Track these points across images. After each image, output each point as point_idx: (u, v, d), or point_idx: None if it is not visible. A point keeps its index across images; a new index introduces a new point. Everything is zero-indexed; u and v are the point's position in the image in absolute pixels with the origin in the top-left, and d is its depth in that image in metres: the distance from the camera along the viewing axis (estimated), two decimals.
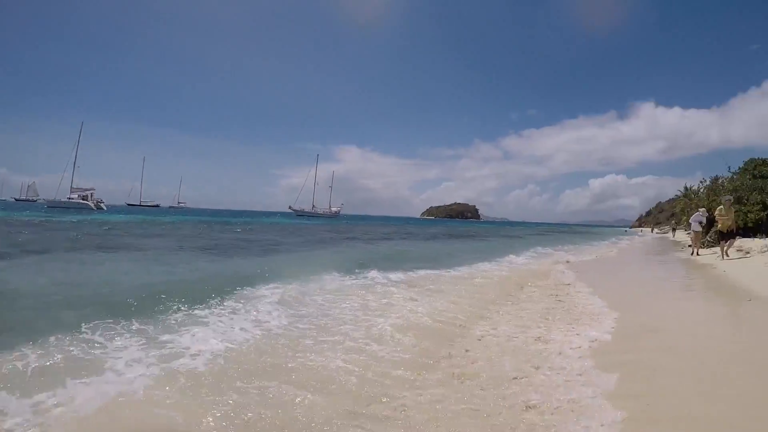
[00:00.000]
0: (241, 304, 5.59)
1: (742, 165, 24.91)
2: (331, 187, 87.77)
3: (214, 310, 5.27)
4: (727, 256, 12.46)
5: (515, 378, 3.43)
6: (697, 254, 15.25)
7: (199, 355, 3.70)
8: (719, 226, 13.12)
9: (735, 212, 21.70)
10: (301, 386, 3.15)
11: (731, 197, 14.43)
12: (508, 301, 6.89)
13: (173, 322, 4.68)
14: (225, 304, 5.61)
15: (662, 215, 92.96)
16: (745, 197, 20.68)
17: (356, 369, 3.55)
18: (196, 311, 5.13)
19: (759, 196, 20.05)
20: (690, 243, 24.95)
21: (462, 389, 3.25)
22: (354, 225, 48.51)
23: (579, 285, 8.47)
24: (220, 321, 4.81)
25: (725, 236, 12.89)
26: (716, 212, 13.28)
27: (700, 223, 15.89)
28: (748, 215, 19.66)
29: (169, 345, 3.94)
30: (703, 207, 18.06)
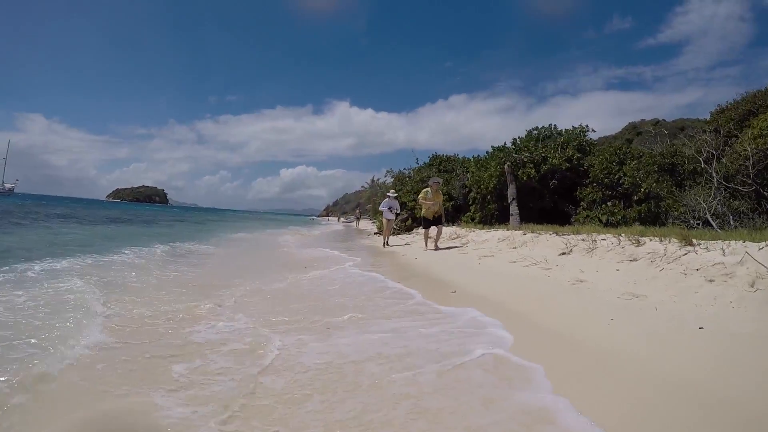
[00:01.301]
0: None
1: (426, 161, 24.55)
2: (5, 159, 78.06)
3: None
4: (435, 248, 10.05)
5: None
6: (387, 244, 12.89)
7: None
8: (423, 211, 10.67)
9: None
10: None
11: (440, 179, 11.58)
12: None
13: None
14: None
15: (348, 206, 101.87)
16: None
17: None
18: None
19: (444, 188, 18.67)
20: (377, 230, 24.10)
21: None
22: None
23: None
24: None
25: (431, 223, 10.56)
26: (421, 195, 10.69)
27: (391, 209, 13.10)
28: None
29: None
30: (393, 190, 15.06)
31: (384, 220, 13.34)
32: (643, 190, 12.38)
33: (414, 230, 17.97)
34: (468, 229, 12.98)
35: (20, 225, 13.69)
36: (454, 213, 18.68)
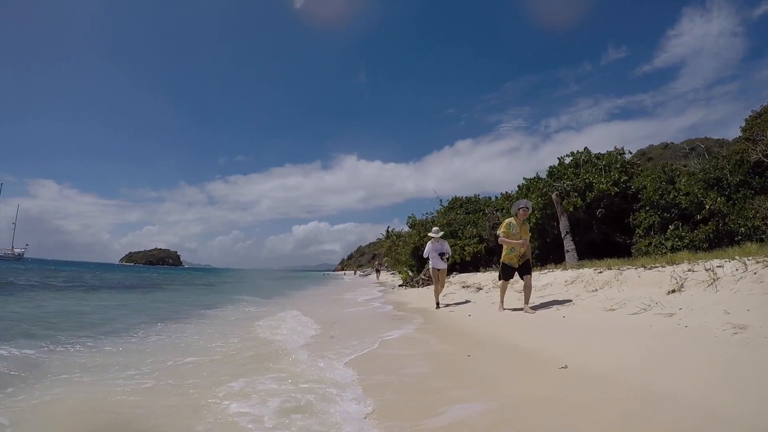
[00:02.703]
0: None
1: (446, 204, 23.26)
2: (14, 224, 78.68)
3: None
4: (530, 311, 6.68)
5: None
6: (440, 304, 9.45)
7: None
8: (504, 255, 7.19)
9: (451, 246, 19.38)
10: None
11: (528, 204, 7.41)
12: None
13: None
14: None
15: (364, 258, 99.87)
16: (460, 231, 17.70)
17: None
18: None
19: (474, 229, 17.28)
20: (402, 282, 22.05)
21: None
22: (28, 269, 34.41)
23: None
24: None
25: (514, 271, 7.15)
26: (503, 230, 7.15)
27: (442, 255, 9.34)
28: (466, 249, 16.42)
29: None
30: (437, 227, 11.32)
31: (432, 271, 9.54)
32: (708, 207, 10.83)
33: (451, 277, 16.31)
34: None
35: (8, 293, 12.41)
36: (487, 256, 17.12)
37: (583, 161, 13.58)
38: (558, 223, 12.70)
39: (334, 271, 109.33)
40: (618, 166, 13.20)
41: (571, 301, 6.58)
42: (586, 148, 14.50)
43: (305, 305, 11.46)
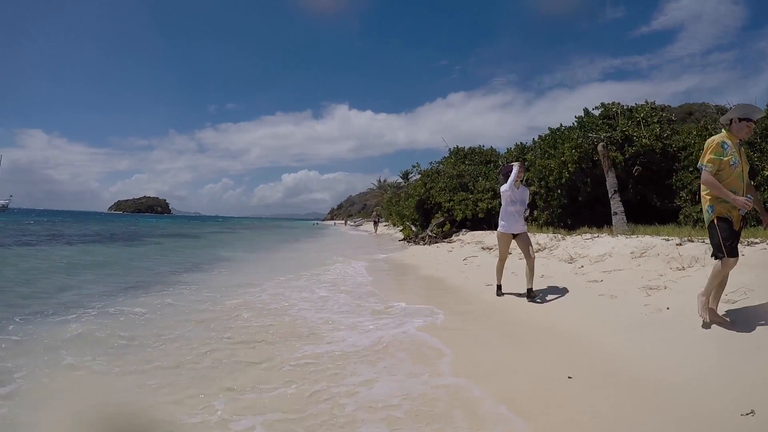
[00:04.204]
0: None
1: (446, 155, 21.51)
2: None
3: None
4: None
5: None
6: (500, 289, 6.18)
7: None
8: (721, 203, 3.67)
9: (462, 201, 17.89)
10: None
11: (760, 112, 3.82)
12: None
13: None
14: None
15: (354, 208, 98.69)
16: (471, 184, 16.29)
17: None
18: None
19: (486, 182, 15.86)
20: (404, 237, 20.48)
21: None
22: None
23: None
24: None
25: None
26: (711, 156, 3.63)
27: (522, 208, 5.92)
28: (479, 204, 15.10)
29: None
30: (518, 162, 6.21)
31: (502, 237, 5.99)
32: (766, 174, 9.46)
33: (455, 237, 15.00)
34: (543, 234, 10.07)
35: None
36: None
37: (618, 112, 11.98)
38: (591, 180, 11.30)
39: (323, 220, 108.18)
40: (656, 120, 11.66)
41: (666, 287, 5.24)
42: (614, 101, 12.85)
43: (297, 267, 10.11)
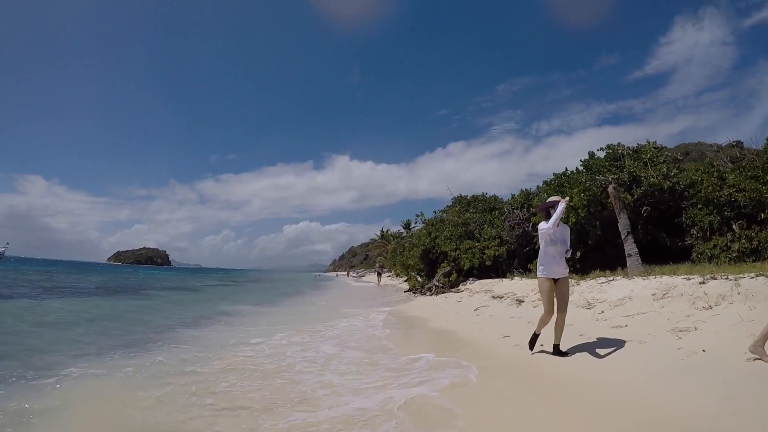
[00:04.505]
0: None
1: (449, 204, 21.61)
2: None
3: None
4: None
5: None
6: (537, 339, 5.40)
7: None
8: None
9: (468, 249, 17.64)
10: None
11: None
12: None
13: None
14: None
15: (355, 259, 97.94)
16: (477, 231, 16.11)
17: None
18: None
19: (492, 230, 15.68)
20: (410, 288, 20.01)
21: None
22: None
23: None
24: None
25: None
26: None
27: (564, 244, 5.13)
28: (486, 252, 14.82)
29: None
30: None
31: (544, 283, 5.02)
32: None
33: (462, 286, 14.62)
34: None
35: None
36: (508, 260, 15.51)
37: (623, 154, 12.03)
38: (600, 223, 11.15)
39: (325, 272, 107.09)
40: (661, 160, 11.69)
41: (696, 328, 4.93)
42: (619, 143, 12.98)
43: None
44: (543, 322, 5.10)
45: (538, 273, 5.12)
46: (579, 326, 6.08)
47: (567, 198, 5.38)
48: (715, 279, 5.87)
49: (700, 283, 5.89)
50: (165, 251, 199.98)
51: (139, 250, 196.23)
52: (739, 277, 5.63)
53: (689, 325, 5.01)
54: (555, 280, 4.99)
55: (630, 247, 8.86)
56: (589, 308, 6.83)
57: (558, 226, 5.04)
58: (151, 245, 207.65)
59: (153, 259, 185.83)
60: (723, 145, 15.44)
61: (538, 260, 5.15)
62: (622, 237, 9.07)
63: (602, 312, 6.44)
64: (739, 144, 14.78)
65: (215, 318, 10.54)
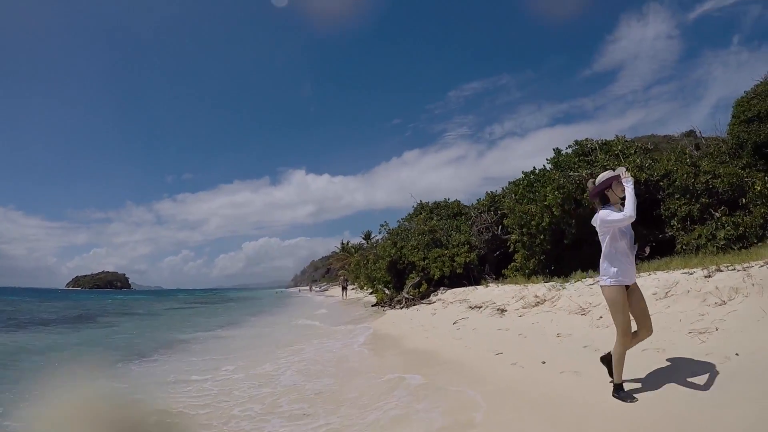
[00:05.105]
0: None
1: (411, 212, 21.00)
2: None
3: None
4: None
5: None
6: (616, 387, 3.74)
7: None
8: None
9: (437, 257, 16.81)
10: None
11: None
12: None
13: None
14: None
15: (317, 273, 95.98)
16: (445, 239, 15.49)
17: None
18: None
19: (460, 236, 15.10)
20: (377, 301, 18.71)
21: None
22: None
23: None
24: None
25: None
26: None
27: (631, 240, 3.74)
28: (456, 259, 14.18)
29: None
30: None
31: (613, 291, 3.55)
32: (758, 189, 9.20)
33: (433, 297, 13.84)
34: (534, 284, 9.22)
35: None
36: (479, 266, 14.93)
37: (593, 148, 11.76)
38: (575, 221, 10.72)
39: (287, 288, 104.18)
40: (633, 151, 11.48)
41: (713, 330, 4.35)
42: (587, 138, 12.75)
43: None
44: (624, 347, 3.57)
45: (604, 280, 3.64)
46: (580, 337, 5.41)
47: (623, 168, 3.82)
48: (722, 271, 5.36)
49: (706, 276, 5.36)
50: (124, 274, 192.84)
51: (98, 274, 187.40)
52: (748, 267, 5.15)
53: (707, 325, 4.42)
54: (627, 287, 3.60)
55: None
56: (584, 314, 6.19)
57: (612, 209, 3.74)
58: (110, 269, 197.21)
59: (113, 282, 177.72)
60: (676, 135, 15.65)
61: (604, 261, 3.68)
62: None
63: (600, 317, 5.80)
64: (692, 133, 14.97)
65: (164, 349, 9.27)
